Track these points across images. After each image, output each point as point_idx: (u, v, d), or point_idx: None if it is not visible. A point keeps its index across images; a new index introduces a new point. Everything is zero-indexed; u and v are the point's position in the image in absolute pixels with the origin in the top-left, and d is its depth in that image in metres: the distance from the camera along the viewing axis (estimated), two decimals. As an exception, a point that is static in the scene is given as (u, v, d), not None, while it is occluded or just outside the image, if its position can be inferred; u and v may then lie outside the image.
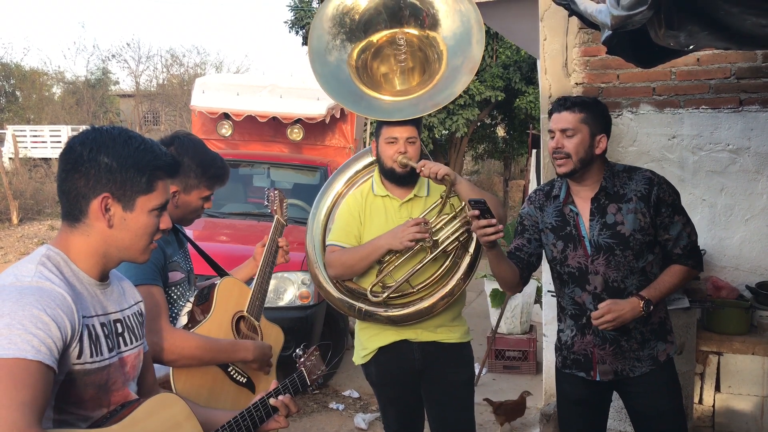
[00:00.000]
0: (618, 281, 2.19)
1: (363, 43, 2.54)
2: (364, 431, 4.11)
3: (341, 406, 4.48)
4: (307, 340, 4.39)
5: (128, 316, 1.50)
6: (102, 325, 1.39)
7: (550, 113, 2.27)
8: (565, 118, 2.18)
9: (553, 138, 2.22)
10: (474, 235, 2.47)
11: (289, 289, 4.50)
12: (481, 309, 6.33)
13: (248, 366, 2.12)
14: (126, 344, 1.47)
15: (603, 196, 2.22)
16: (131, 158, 1.38)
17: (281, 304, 4.47)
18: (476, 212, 2.04)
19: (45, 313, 1.24)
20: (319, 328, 4.63)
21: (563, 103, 2.21)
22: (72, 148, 1.38)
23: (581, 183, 2.24)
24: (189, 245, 2.29)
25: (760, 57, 3.33)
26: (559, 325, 2.39)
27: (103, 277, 1.44)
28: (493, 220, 2.04)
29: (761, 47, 2.86)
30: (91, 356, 1.34)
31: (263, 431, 1.68)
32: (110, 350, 1.40)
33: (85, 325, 1.34)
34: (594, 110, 2.21)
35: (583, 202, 2.25)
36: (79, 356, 1.31)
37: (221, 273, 2.31)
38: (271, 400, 1.69)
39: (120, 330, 1.46)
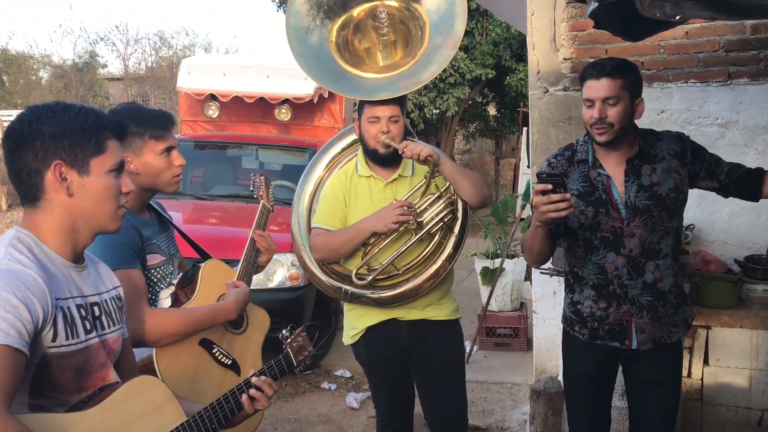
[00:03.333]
0: (654, 242, 2.15)
1: (343, 19, 2.48)
2: (356, 410, 4.12)
3: (333, 386, 4.49)
4: (297, 321, 4.38)
5: (106, 300, 1.47)
6: (78, 306, 1.37)
7: (584, 79, 2.14)
8: (606, 86, 2.07)
9: (591, 107, 2.10)
10: (459, 215, 2.44)
11: (279, 271, 4.47)
12: (472, 287, 6.34)
13: (233, 345, 2.10)
14: (104, 327, 1.44)
15: (638, 158, 2.15)
16: (73, 122, 1.36)
17: (271, 285, 4.45)
18: (548, 186, 1.92)
19: (14, 296, 1.21)
20: (310, 309, 4.63)
21: (602, 69, 2.09)
22: (12, 129, 1.36)
23: (615, 149, 2.16)
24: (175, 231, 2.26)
25: (749, 29, 3.29)
26: (572, 297, 2.28)
27: (77, 259, 1.41)
28: (567, 195, 1.93)
29: (747, 17, 2.83)
30: (67, 339, 1.32)
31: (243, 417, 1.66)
32: (87, 332, 1.38)
33: (59, 308, 1.31)
34: (632, 74, 2.12)
35: (613, 165, 2.17)
36: (54, 339, 1.29)
37: (205, 257, 2.28)
38: (254, 379, 1.66)
39: (98, 313, 1.43)
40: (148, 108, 2.10)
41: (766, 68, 3.28)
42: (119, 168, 1.42)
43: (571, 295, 2.29)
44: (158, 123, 2.04)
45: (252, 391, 1.64)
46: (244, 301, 2.11)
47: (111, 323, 1.47)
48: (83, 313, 1.38)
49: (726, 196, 2.33)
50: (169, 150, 2.05)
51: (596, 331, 2.22)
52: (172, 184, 2.08)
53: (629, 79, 2.10)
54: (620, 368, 2.34)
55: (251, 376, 1.67)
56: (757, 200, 2.35)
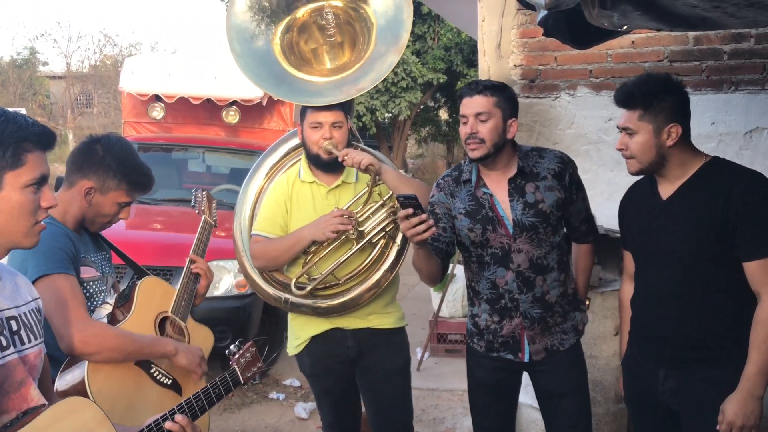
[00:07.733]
0: (541, 257, 2.22)
1: (287, 20, 2.41)
2: (305, 420, 4.03)
3: (282, 396, 4.39)
4: (244, 330, 4.27)
5: (25, 313, 1.37)
6: None
7: (460, 97, 2.23)
8: (479, 102, 2.16)
9: (465, 123, 2.19)
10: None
11: (225, 278, 4.34)
12: (424, 293, 6.33)
13: (175, 365, 2.00)
14: (24, 342, 1.34)
15: (520, 176, 2.23)
16: None
17: (217, 293, 4.30)
18: (409, 210, 1.92)
19: None
20: (258, 317, 4.50)
21: (475, 87, 2.18)
22: None
23: (493, 167, 2.23)
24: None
25: (692, 40, 3.36)
26: (471, 310, 2.35)
27: None
28: (424, 216, 1.94)
29: (692, 28, 2.88)
30: None
31: None
32: (3, 349, 1.27)
33: None
34: (505, 94, 2.21)
35: (495, 184, 2.24)
36: None
37: (141, 274, 2.19)
38: (167, 424, 1.54)
39: (15, 328, 1.33)
40: (139, 160, 2.09)
41: (708, 78, 3.36)
42: (39, 182, 1.32)
43: (471, 308, 2.36)
44: (140, 184, 2.05)
45: (173, 426, 1.53)
46: (191, 353, 2.02)
47: (31, 337, 1.36)
48: None
49: (569, 234, 2.41)
50: (127, 205, 2.05)
51: (492, 344, 2.29)
52: (101, 227, 2.07)
53: (502, 99, 2.18)
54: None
55: (164, 420, 1.54)
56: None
